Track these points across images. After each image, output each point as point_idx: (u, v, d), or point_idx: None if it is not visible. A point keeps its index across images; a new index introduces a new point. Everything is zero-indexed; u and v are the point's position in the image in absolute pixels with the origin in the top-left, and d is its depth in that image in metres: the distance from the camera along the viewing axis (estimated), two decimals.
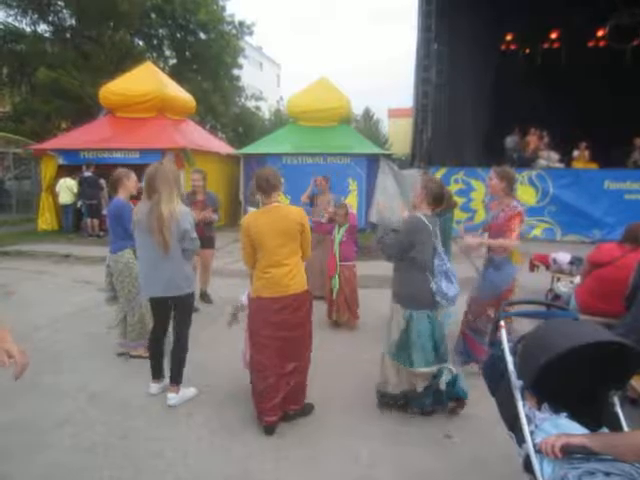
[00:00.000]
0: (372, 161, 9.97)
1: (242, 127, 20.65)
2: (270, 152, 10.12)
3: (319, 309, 4.33)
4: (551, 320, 1.96)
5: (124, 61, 14.79)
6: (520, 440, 1.67)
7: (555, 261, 4.83)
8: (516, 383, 1.73)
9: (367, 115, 32.69)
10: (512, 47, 14.34)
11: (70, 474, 2.32)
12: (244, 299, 2.87)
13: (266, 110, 25.47)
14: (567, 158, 10.68)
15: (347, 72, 60.39)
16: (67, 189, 9.65)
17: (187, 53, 18.37)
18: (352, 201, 9.60)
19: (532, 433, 1.63)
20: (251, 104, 22.13)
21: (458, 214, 8.69)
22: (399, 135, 24.24)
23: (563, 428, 1.60)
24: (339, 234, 4.49)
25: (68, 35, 16.51)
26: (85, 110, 13.60)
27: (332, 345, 3.90)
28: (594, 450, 1.41)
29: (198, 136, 11.42)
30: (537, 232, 9.26)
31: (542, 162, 10.28)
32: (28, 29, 15.94)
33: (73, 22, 16.31)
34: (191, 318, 3.07)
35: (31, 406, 2.92)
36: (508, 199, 3.21)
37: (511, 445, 1.77)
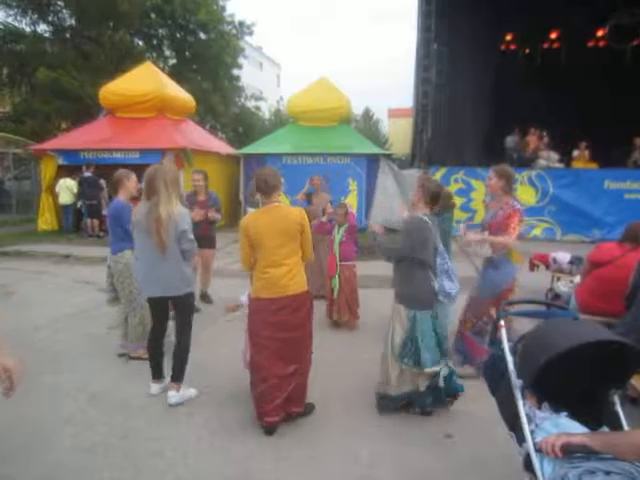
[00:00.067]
0: (372, 161, 9.97)
1: (242, 127, 20.66)
2: (270, 152, 10.13)
3: (319, 309, 4.33)
4: (551, 320, 1.96)
5: (124, 61, 14.80)
6: (520, 439, 1.67)
7: (555, 261, 4.83)
8: (516, 382, 1.73)
9: (367, 115, 32.71)
10: (512, 47, 14.35)
11: (70, 474, 2.32)
12: (244, 299, 2.87)
13: (266, 110, 25.48)
14: (567, 158, 10.69)
15: (347, 72, 60.41)
16: (67, 189, 9.65)
17: (187, 53, 18.37)
18: (352, 201, 9.61)
19: (532, 432, 1.63)
20: (251, 104, 22.14)
21: (458, 214, 8.69)
22: (399, 135, 24.25)
23: (563, 427, 1.60)
24: (339, 234, 4.49)
25: (68, 35, 16.52)
26: (85, 110, 13.61)
27: (332, 345, 3.90)
28: (594, 449, 1.41)
29: (198, 136, 11.42)
30: (537, 232, 9.26)
31: (542, 162, 10.29)
32: (28, 29, 15.97)
33: (73, 22, 16.32)
34: (192, 318, 3.07)
35: (31, 406, 2.92)
36: (507, 198, 3.20)
37: (511, 445, 1.77)
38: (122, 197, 3.54)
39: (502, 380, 1.83)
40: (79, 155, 9.73)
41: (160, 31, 18.04)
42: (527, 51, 14.42)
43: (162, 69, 14.68)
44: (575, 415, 1.67)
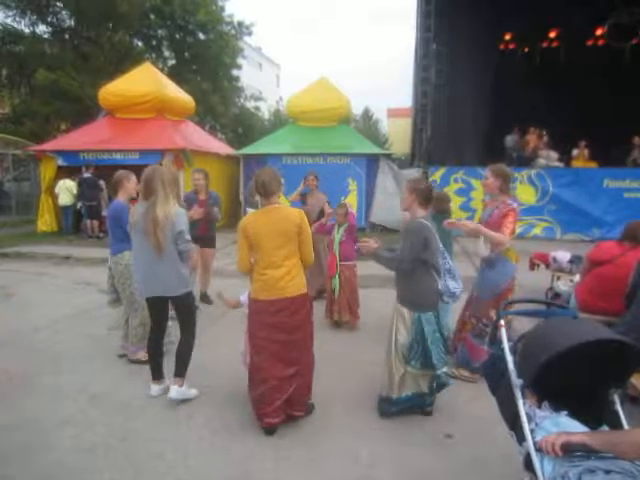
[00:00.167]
0: (372, 161, 9.98)
1: (242, 127, 20.67)
2: (270, 152, 10.13)
3: (319, 309, 4.33)
4: (551, 319, 1.96)
5: (123, 62, 14.80)
6: (520, 438, 1.67)
7: (555, 260, 4.83)
8: (516, 382, 1.73)
9: (366, 115, 32.73)
10: (511, 46, 14.37)
11: (70, 475, 2.32)
12: (244, 299, 2.87)
13: (266, 110, 25.49)
14: (566, 157, 10.70)
15: (347, 72, 60.39)
16: (67, 190, 9.65)
17: (186, 54, 18.38)
18: (352, 201, 9.60)
19: (532, 431, 1.63)
20: (250, 104, 22.14)
21: (458, 214, 8.72)
22: (399, 135, 24.26)
23: (563, 426, 1.60)
24: (339, 234, 4.49)
25: (67, 36, 16.53)
26: (84, 111, 13.61)
27: (332, 345, 3.90)
28: (594, 448, 1.41)
29: (198, 137, 11.42)
30: (537, 231, 9.26)
31: (541, 161, 10.30)
32: (27, 30, 15.97)
33: (72, 23, 16.33)
34: (193, 316, 3.08)
35: (32, 407, 2.92)
36: (503, 197, 3.19)
37: (511, 444, 1.77)
38: (122, 198, 3.54)
39: (502, 379, 1.83)
40: (79, 156, 9.73)
41: (159, 32, 18.05)
42: (526, 50, 14.44)
43: (161, 70, 14.69)
44: (575, 414, 1.66)
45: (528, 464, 1.60)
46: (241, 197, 10.20)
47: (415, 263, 2.64)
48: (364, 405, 2.95)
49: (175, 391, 2.92)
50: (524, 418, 1.66)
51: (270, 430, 2.62)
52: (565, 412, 1.67)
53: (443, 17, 10.77)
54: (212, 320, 4.57)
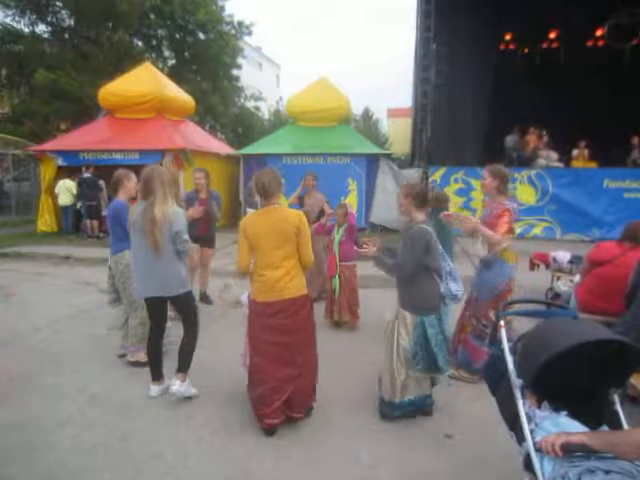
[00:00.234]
0: (372, 161, 9.98)
1: (242, 127, 20.67)
2: (270, 152, 10.13)
3: (318, 310, 4.32)
4: (551, 319, 1.96)
5: (123, 62, 14.81)
6: (520, 439, 1.68)
7: (555, 260, 4.83)
8: (516, 382, 1.73)
9: (366, 115, 32.73)
10: (511, 47, 14.36)
11: (71, 476, 2.32)
12: (244, 299, 2.87)
13: (265, 110, 25.48)
14: (566, 157, 10.70)
15: (346, 72, 60.47)
16: (66, 190, 9.64)
17: (186, 53, 18.38)
18: (352, 201, 9.60)
19: (532, 432, 1.63)
20: (250, 104, 22.15)
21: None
22: (398, 135, 24.26)
23: (563, 426, 1.60)
24: (338, 234, 4.49)
25: (67, 36, 16.52)
26: (84, 111, 13.61)
27: (333, 345, 3.90)
28: (594, 448, 1.41)
29: (197, 137, 11.41)
30: (537, 231, 9.27)
31: (541, 161, 10.30)
32: (27, 30, 15.96)
33: (72, 22, 16.33)
34: (194, 314, 3.08)
35: (31, 407, 2.92)
36: (500, 197, 3.17)
37: (511, 444, 1.77)
38: (122, 197, 3.54)
39: (502, 380, 1.83)
40: (78, 156, 9.73)
41: (159, 31, 18.05)
42: (526, 51, 14.44)
43: (161, 70, 14.69)
44: (575, 414, 1.67)
45: (528, 464, 1.61)
46: (241, 197, 10.20)
47: (417, 268, 2.63)
48: (364, 405, 2.95)
49: (177, 386, 2.92)
50: (524, 418, 1.66)
51: (270, 431, 2.62)
52: (565, 412, 1.67)
53: (443, 17, 10.77)
54: (212, 320, 4.57)
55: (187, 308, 3.05)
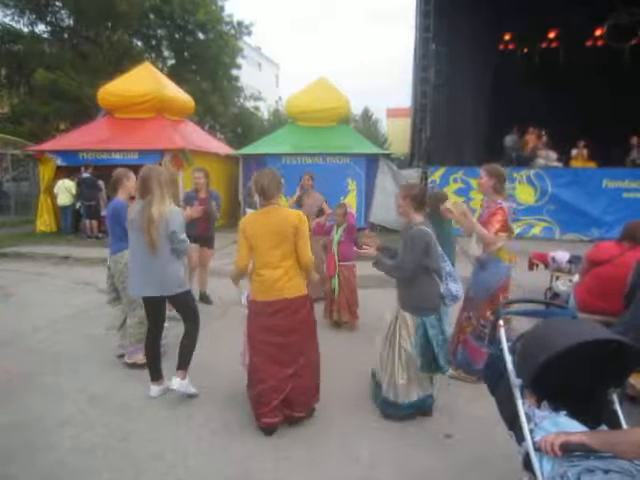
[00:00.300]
0: (371, 161, 9.98)
1: (241, 127, 20.66)
2: (269, 152, 10.13)
3: (317, 310, 4.32)
4: (550, 319, 1.96)
5: (122, 62, 14.80)
6: (520, 438, 1.68)
7: (554, 260, 4.84)
8: (515, 382, 1.73)
9: (366, 115, 32.72)
10: (510, 47, 14.37)
11: (70, 476, 2.32)
12: (243, 299, 2.87)
13: (265, 110, 25.47)
14: (565, 157, 10.71)
15: (346, 72, 60.46)
16: (66, 190, 9.64)
17: (186, 53, 18.37)
18: (351, 201, 9.60)
19: (531, 431, 1.63)
20: (250, 104, 22.13)
21: None
22: (398, 135, 24.26)
23: (562, 426, 1.60)
24: (337, 234, 4.49)
25: (66, 35, 16.50)
26: (84, 111, 13.60)
27: (332, 345, 3.89)
28: (593, 448, 1.41)
29: (197, 137, 11.41)
30: (536, 231, 9.28)
31: (541, 161, 10.31)
32: (26, 29, 15.94)
33: (71, 22, 16.31)
34: (194, 312, 3.08)
35: (32, 407, 2.92)
36: (496, 197, 3.16)
37: (511, 444, 1.77)
38: (121, 197, 3.54)
39: (501, 379, 1.83)
40: (78, 156, 9.72)
41: (159, 31, 18.03)
42: (525, 51, 14.45)
43: (161, 69, 14.68)
44: (574, 414, 1.67)
45: (527, 464, 1.61)
46: (240, 197, 10.20)
47: (417, 269, 2.64)
48: (364, 405, 2.95)
49: (177, 383, 2.92)
50: (523, 418, 1.66)
51: (269, 430, 2.62)
52: (564, 412, 1.67)
53: (442, 17, 10.77)
54: (211, 320, 4.57)
55: (186, 307, 3.06)
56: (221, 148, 12.03)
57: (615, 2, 11.27)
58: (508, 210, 3.09)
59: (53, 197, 9.89)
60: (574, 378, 1.66)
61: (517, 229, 8.99)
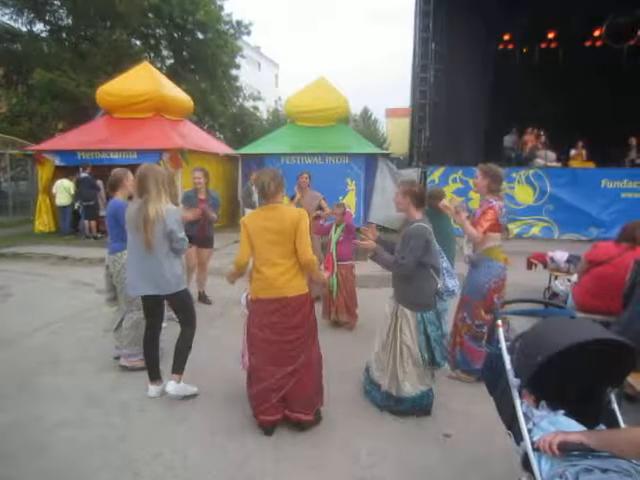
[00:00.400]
0: (370, 161, 9.98)
1: (240, 127, 20.63)
2: (268, 152, 10.13)
3: (317, 310, 4.32)
4: (549, 318, 1.97)
5: (121, 61, 14.74)
6: (518, 438, 1.68)
7: (553, 259, 4.85)
8: (514, 381, 1.74)
9: (365, 115, 32.68)
10: (510, 47, 14.39)
11: (69, 476, 2.32)
12: (243, 299, 2.87)
13: (264, 110, 25.44)
14: (564, 157, 10.74)
15: (345, 72, 60.49)
16: (64, 190, 9.62)
17: (185, 53, 18.33)
18: (350, 201, 9.61)
19: (530, 431, 1.64)
20: (249, 104, 22.09)
21: None
22: (397, 135, 24.26)
23: (561, 426, 1.61)
24: (336, 233, 4.49)
25: (64, 35, 16.46)
26: (82, 111, 13.56)
27: (331, 345, 3.89)
28: (591, 447, 1.42)
29: (196, 136, 11.40)
30: (535, 231, 9.29)
31: (539, 161, 10.33)
32: (24, 28, 15.90)
33: (69, 21, 16.26)
34: (191, 312, 3.08)
35: (29, 408, 2.91)
36: (490, 196, 3.16)
37: (509, 443, 1.78)
38: (120, 196, 3.53)
39: (500, 379, 1.83)
40: (76, 156, 9.69)
41: (158, 31, 17.98)
42: (525, 51, 14.47)
43: (160, 69, 14.63)
44: (572, 413, 1.67)
45: (526, 463, 1.61)
46: (239, 197, 10.19)
47: (416, 266, 2.65)
48: (364, 405, 2.96)
49: (172, 386, 2.92)
50: (521, 418, 1.67)
51: (268, 429, 2.62)
52: (562, 411, 1.68)
53: (442, 17, 10.78)
54: (211, 320, 4.57)
55: (184, 307, 3.05)
56: (220, 148, 12.02)
57: (614, 2, 11.29)
58: (499, 209, 3.07)
59: (51, 197, 9.87)
60: (573, 378, 1.66)
61: (516, 229, 9.02)
